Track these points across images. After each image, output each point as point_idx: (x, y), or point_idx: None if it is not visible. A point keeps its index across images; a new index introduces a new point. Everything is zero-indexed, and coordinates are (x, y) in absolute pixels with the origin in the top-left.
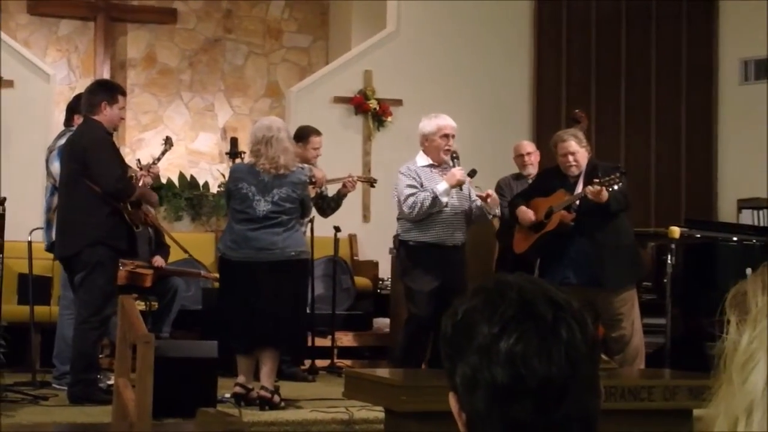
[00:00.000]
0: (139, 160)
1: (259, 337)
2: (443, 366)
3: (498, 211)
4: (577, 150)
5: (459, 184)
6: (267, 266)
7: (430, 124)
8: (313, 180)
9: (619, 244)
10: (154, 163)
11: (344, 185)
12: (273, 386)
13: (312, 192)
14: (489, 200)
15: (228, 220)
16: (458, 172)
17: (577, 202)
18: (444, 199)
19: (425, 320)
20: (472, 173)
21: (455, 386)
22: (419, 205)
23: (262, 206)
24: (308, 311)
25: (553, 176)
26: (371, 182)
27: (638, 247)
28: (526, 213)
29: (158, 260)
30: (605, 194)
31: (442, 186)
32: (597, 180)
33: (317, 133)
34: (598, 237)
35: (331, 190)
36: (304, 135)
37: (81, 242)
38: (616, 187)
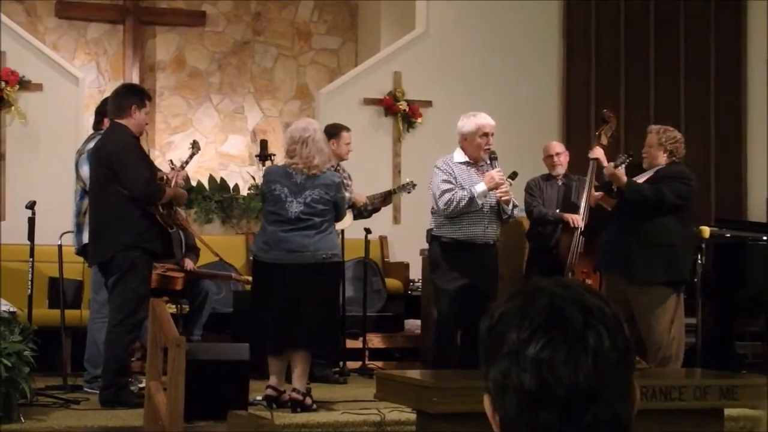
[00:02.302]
0: (171, 160)
1: (289, 339)
2: (479, 367)
3: (516, 212)
4: (652, 144)
5: (497, 187)
6: (297, 268)
7: (469, 123)
8: (351, 203)
9: (657, 241)
10: (182, 167)
11: (384, 200)
12: (305, 388)
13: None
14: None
15: (262, 222)
16: (496, 175)
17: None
18: (480, 201)
19: (449, 319)
20: (513, 175)
21: (488, 388)
22: (455, 203)
23: (295, 207)
24: (339, 313)
25: (631, 168)
26: (409, 189)
27: (684, 252)
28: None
29: (188, 263)
30: (619, 174)
31: (480, 187)
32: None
33: (347, 129)
34: (634, 229)
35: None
36: (334, 132)
37: (114, 247)
38: (622, 167)
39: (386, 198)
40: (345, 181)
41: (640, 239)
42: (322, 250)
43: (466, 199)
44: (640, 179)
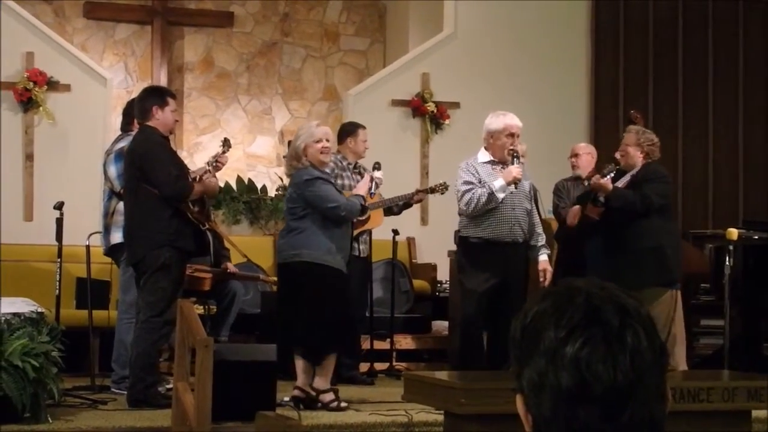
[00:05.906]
0: (207, 162)
1: (288, 338)
2: (511, 367)
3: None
4: (630, 144)
5: (515, 182)
6: (280, 268)
7: (497, 121)
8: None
9: (644, 244)
10: (214, 166)
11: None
12: (325, 387)
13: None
14: None
15: None
16: (515, 170)
17: (602, 199)
18: (500, 196)
19: (474, 319)
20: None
21: (522, 388)
22: (475, 201)
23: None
24: (367, 314)
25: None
26: (441, 191)
27: (672, 250)
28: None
29: (230, 266)
30: (605, 183)
31: (498, 182)
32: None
33: (363, 126)
34: (619, 235)
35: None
36: (352, 129)
37: (146, 247)
38: (609, 176)
39: (414, 196)
40: (342, 173)
41: (626, 244)
42: (285, 251)
43: (486, 195)
44: (618, 185)
